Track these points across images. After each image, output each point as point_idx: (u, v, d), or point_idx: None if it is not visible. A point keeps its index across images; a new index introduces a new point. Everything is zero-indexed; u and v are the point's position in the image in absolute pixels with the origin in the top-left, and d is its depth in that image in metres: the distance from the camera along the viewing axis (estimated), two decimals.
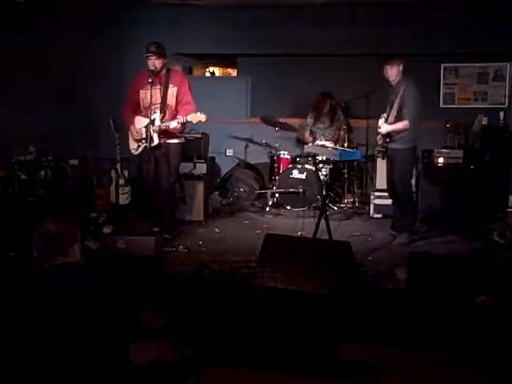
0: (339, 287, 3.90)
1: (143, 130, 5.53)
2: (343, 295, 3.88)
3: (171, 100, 5.56)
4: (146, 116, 5.51)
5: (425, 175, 6.60)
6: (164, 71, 5.57)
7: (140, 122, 5.59)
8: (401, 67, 5.57)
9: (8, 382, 2.14)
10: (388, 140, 5.61)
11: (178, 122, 5.44)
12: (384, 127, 5.56)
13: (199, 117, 5.39)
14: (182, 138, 5.81)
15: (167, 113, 5.54)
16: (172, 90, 5.55)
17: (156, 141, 5.49)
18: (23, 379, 2.14)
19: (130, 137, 5.70)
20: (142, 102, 5.60)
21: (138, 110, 5.65)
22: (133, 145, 5.70)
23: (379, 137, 5.67)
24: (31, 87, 6.74)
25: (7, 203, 6.22)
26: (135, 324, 2.32)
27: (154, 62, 5.44)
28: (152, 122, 5.45)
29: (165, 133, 5.54)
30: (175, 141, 5.67)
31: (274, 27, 7.80)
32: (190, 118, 5.41)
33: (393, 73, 5.56)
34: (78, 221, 2.45)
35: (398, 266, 4.70)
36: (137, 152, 5.68)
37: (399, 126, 5.50)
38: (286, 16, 7.74)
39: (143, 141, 5.55)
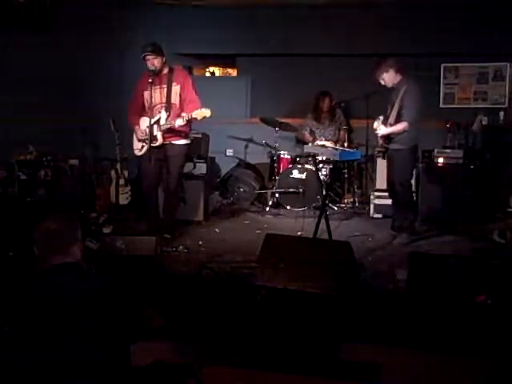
0: (339, 287, 3.90)
1: (147, 129, 5.48)
2: (343, 295, 3.88)
3: (175, 99, 5.51)
4: (151, 116, 5.47)
5: (425, 175, 6.59)
6: (166, 70, 5.52)
7: (145, 122, 5.55)
8: (394, 69, 5.51)
9: (8, 381, 2.14)
10: (388, 141, 5.61)
11: (184, 120, 5.33)
12: (382, 129, 5.54)
13: (204, 112, 5.24)
14: (188, 139, 5.74)
15: (172, 112, 5.48)
16: (175, 89, 5.51)
17: (160, 140, 5.44)
18: (23, 379, 2.14)
19: (135, 137, 5.68)
20: (146, 102, 5.55)
21: (143, 111, 5.61)
22: (137, 145, 5.68)
23: (379, 137, 5.67)
24: (31, 87, 6.72)
25: (7, 203, 6.21)
26: (134, 324, 2.32)
27: (153, 62, 5.41)
28: (157, 121, 5.42)
29: (171, 133, 5.49)
30: (181, 142, 5.62)
31: (274, 27, 7.81)
32: (194, 114, 5.26)
33: (390, 78, 5.53)
34: (78, 221, 2.46)
35: (398, 266, 4.71)
36: (140, 152, 5.63)
37: (398, 128, 5.47)
38: (285, 16, 7.75)
39: (147, 141, 5.50)
